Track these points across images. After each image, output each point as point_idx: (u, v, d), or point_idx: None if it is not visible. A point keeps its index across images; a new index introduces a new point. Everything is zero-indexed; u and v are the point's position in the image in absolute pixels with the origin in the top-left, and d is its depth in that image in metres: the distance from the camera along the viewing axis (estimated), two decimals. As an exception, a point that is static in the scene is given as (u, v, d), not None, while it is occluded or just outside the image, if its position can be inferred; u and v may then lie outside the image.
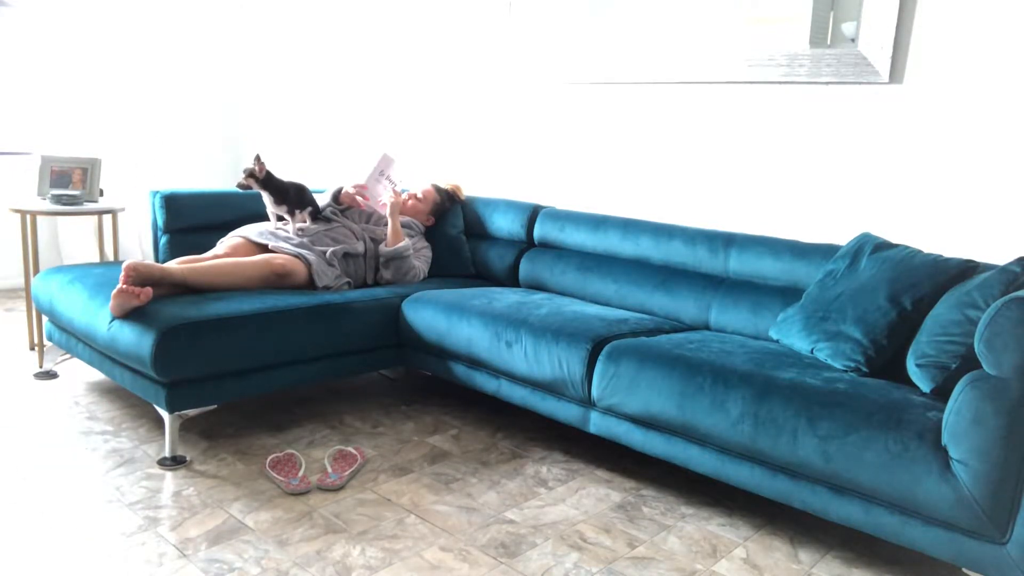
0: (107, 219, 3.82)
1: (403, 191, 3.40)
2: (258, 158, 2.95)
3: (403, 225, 3.28)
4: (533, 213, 3.36)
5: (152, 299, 2.43)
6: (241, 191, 3.00)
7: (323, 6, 4.45)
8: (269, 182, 2.97)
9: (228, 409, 2.85)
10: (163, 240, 3.18)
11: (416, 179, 3.76)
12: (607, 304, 2.99)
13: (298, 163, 4.63)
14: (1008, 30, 2.33)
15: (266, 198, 3.01)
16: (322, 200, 3.24)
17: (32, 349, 3.43)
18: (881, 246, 2.36)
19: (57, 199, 3.41)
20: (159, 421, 2.65)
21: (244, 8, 4.97)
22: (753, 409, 2.01)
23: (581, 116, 3.41)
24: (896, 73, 2.55)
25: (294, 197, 3.04)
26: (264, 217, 3.15)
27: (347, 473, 2.35)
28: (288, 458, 2.43)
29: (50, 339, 2.99)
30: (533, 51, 3.52)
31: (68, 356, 3.13)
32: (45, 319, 3.02)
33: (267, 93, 4.93)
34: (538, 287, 3.24)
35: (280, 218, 3.08)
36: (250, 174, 2.92)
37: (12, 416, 2.70)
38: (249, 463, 2.43)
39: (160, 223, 3.18)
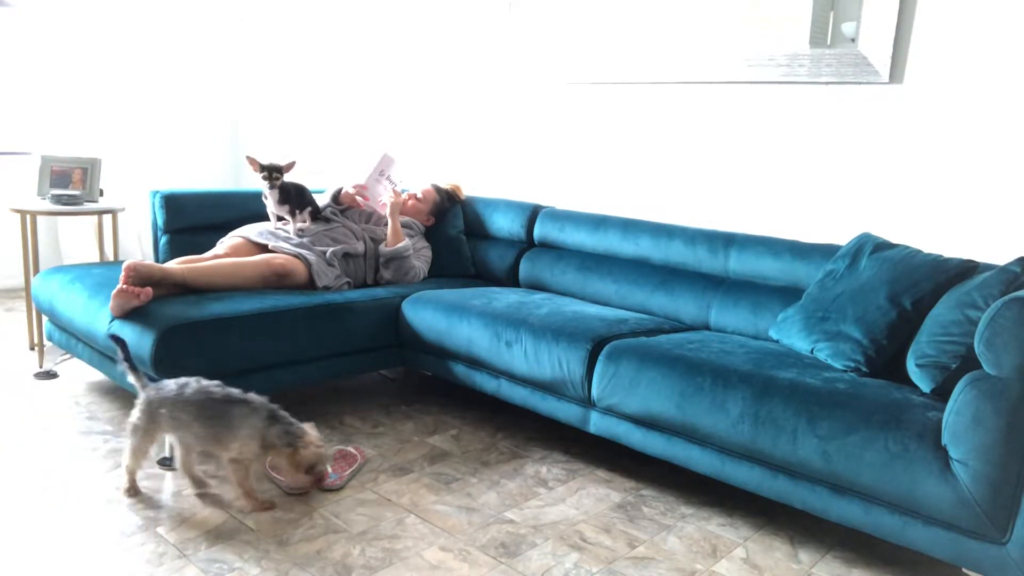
0: (107, 219, 3.82)
1: (403, 191, 3.40)
2: (292, 164, 3.03)
3: (403, 225, 3.28)
4: (533, 213, 3.36)
5: (152, 299, 2.44)
6: (259, 178, 3.01)
7: (323, 6, 4.45)
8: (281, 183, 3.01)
9: (228, 409, 2.84)
10: (163, 240, 3.18)
11: (416, 179, 3.76)
12: (607, 304, 2.99)
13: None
14: (1008, 30, 2.33)
15: (271, 197, 3.01)
16: (322, 200, 3.24)
17: (32, 349, 3.43)
18: (881, 246, 2.36)
19: (57, 199, 3.41)
20: (159, 421, 2.65)
21: (244, 8, 4.97)
22: (753, 409, 2.01)
23: (581, 116, 3.41)
24: (896, 73, 2.55)
25: (295, 197, 3.04)
26: (264, 217, 3.15)
27: (347, 473, 2.35)
28: (288, 458, 2.43)
29: (50, 339, 2.99)
30: (533, 51, 3.53)
31: (68, 356, 3.13)
32: (45, 319, 3.02)
33: (267, 93, 4.93)
34: (538, 287, 3.24)
35: (280, 218, 3.09)
36: (276, 170, 2.97)
37: (12, 416, 2.70)
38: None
39: (160, 223, 3.18)
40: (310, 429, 2.12)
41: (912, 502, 1.78)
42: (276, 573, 1.85)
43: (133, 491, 2.18)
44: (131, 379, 2.13)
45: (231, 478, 2.12)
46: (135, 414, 2.11)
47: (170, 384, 2.10)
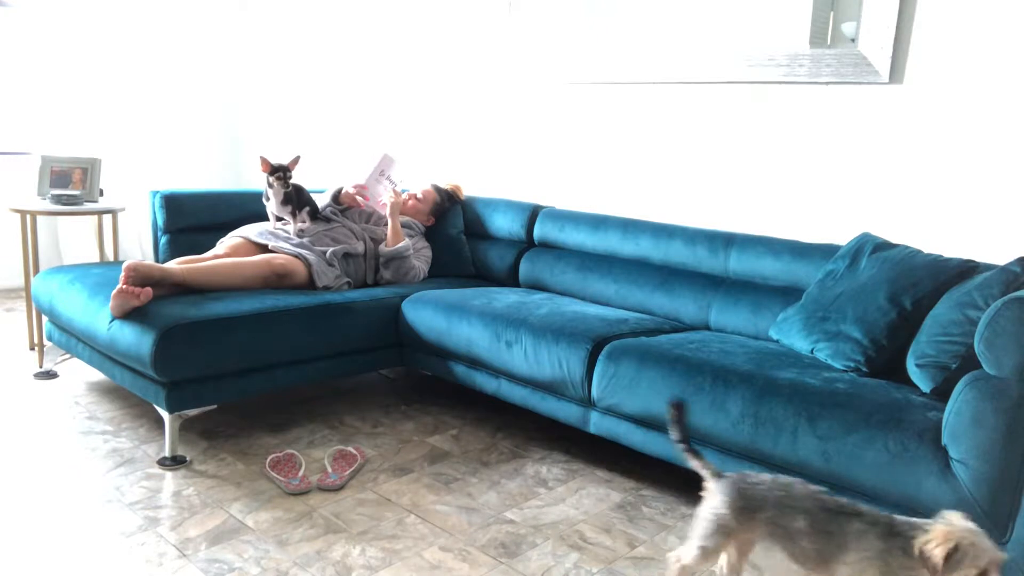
0: (107, 219, 3.82)
1: (403, 191, 3.40)
2: (296, 160, 3.03)
3: (403, 225, 3.28)
4: (533, 213, 3.36)
5: (152, 299, 2.44)
6: (271, 179, 3.02)
7: (323, 6, 4.45)
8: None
9: (228, 409, 2.85)
10: (163, 240, 3.18)
11: (416, 179, 3.76)
12: (607, 304, 2.99)
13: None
14: (1008, 30, 2.33)
15: (274, 198, 3.01)
16: (322, 200, 3.24)
17: (32, 349, 3.43)
18: (881, 246, 2.36)
19: (57, 199, 3.41)
20: (159, 421, 2.65)
21: (245, 8, 4.97)
22: (753, 409, 2.01)
23: (581, 116, 3.41)
24: (896, 73, 2.55)
25: (295, 197, 3.04)
26: (264, 217, 3.15)
27: (347, 473, 2.35)
28: (288, 458, 2.43)
29: (50, 339, 2.99)
30: (533, 51, 3.52)
31: (68, 356, 3.13)
32: (45, 319, 3.02)
33: (267, 93, 4.93)
34: (538, 287, 3.24)
35: (279, 218, 3.09)
36: (286, 170, 2.98)
37: (12, 416, 2.70)
38: (249, 463, 2.44)
39: (160, 223, 3.18)
40: (944, 522, 1.46)
41: (912, 502, 1.78)
42: (276, 573, 1.85)
43: None
44: (694, 464, 1.72)
45: None
46: (717, 507, 1.64)
47: (764, 480, 1.65)
